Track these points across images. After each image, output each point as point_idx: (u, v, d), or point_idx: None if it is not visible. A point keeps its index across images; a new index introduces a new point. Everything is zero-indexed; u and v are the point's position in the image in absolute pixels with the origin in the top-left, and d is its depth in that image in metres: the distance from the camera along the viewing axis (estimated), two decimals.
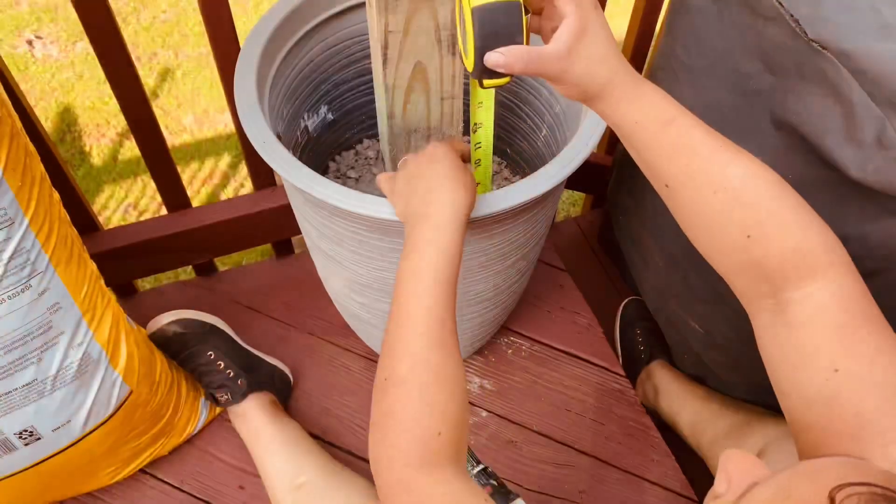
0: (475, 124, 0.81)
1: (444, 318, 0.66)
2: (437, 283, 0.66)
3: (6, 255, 0.75)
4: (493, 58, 0.60)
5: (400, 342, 0.66)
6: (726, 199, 0.59)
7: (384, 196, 0.78)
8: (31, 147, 0.80)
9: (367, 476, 1.09)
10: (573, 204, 1.81)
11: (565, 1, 0.58)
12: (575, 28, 0.58)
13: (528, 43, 0.61)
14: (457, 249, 0.69)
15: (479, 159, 0.85)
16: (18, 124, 0.77)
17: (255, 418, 1.11)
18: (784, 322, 0.57)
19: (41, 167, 0.81)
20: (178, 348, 1.12)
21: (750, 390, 1.15)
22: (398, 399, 0.63)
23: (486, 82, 0.63)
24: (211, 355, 1.12)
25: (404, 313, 0.67)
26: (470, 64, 0.62)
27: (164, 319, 1.12)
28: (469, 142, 0.84)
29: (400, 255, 0.70)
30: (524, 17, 0.60)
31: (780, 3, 0.77)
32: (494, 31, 0.59)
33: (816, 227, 0.57)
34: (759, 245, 0.58)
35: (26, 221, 0.76)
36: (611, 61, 0.60)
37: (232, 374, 1.12)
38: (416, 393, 0.63)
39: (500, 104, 1.16)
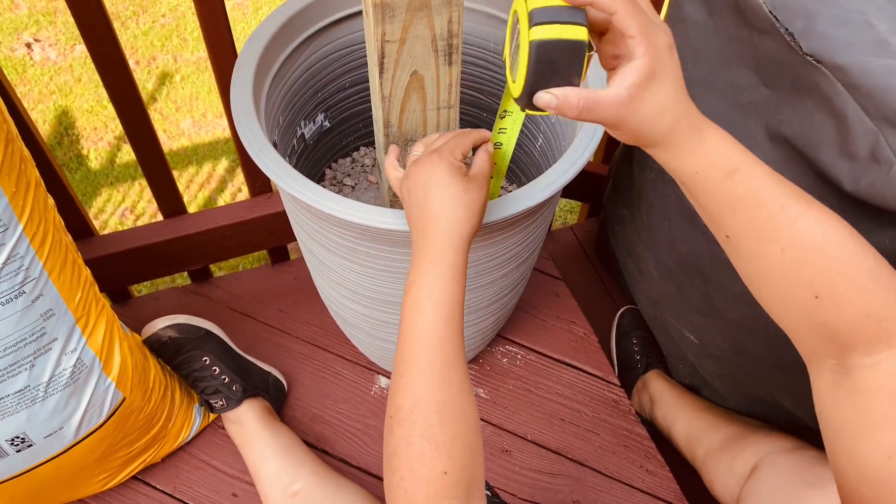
0: (500, 129, 0.76)
1: (447, 353, 0.62)
2: (438, 317, 0.63)
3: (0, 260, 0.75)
4: (545, 99, 0.54)
5: (403, 379, 0.62)
6: (794, 257, 0.54)
7: (384, 202, 0.78)
8: (27, 152, 0.80)
9: (360, 484, 1.09)
10: (570, 211, 1.81)
11: (638, 39, 0.51)
12: (643, 73, 0.52)
13: (584, 78, 0.55)
14: (458, 274, 0.65)
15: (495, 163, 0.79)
16: (14, 129, 0.77)
17: (249, 424, 1.11)
18: (848, 386, 0.53)
19: (36, 172, 0.81)
20: (172, 353, 1.12)
21: (744, 401, 1.15)
22: (402, 439, 0.60)
23: (529, 112, 0.58)
24: (206, 360, 1.12)
25: (407, 350, 0.63)
26: (516, 90, 0.56)
27: (160, 324, 1.12)
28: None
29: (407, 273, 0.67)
30: (586, 57, 0.53)
31: (776, 17, 0.77)
32: (551, 69, 0.53)
33: None
34: (828, 307, 0.53)
35: (20, 227, 0.76)
36: (676, 108, 0.54)
37: (227, 379, 1.12)
38: (418, 432, 0.59)
39: (495, 113, 1.16)
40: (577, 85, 0.54)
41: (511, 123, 0.74)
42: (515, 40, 0.57)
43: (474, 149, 0.74)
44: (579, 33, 0.52)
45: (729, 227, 0.57)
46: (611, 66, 0.56)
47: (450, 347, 0.63)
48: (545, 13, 0.52)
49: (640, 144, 0.57)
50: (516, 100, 0.57)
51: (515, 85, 0.56)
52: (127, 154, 1.89)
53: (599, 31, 0.56)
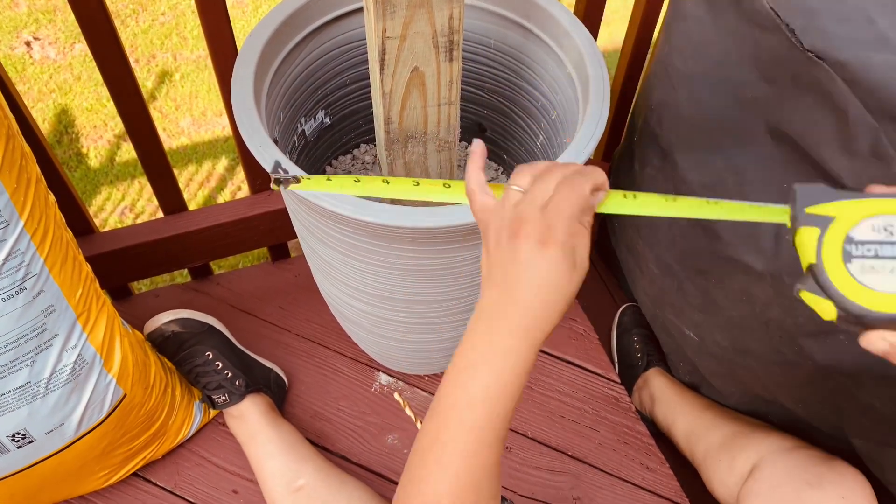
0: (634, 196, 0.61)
1: (486, 461, 0.52)
2: (489, 416, 0.51)
3: (0, 257, 0.75)
4: (879, 346, 0.46)
5: (425, 470, 0.52)
6: None
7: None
8: (28, 148, 0.80)
9: (361, 481, 1.09)
10: None
11: None
12: None
13: None
14: (525, 371, 0.52)
15: None
16: (15, 125, 0.77)
17: (252, 420, 1.11)
18: None
19: (37, 169, 0.81)
20: (175, 348, 1.12)
21: (744, 399, 1.15)
22: None
23: (839, 320, 0.48)
24: (209, 355, 1.12)
25: (441, 439, 0.52)
26: (826, 315, 0.47)
27: (163, 319, 1.12)
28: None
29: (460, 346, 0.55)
30: None
31: (777, 13, 0.77)
32: None
33: None
34: None
35: (21, 223, 0.76)
36: None
37: (230, 374, 1.12)
38: None
39: (496, 110, 1.16)
40: None
41: (659, 206, 0.58)
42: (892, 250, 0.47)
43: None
44: None
45: None
46: None
47: (490, 452, 0.52)
48: None
49: None
50: (873, 311, 0.46)
51: (876, 297, 0.46)
52: (126, 152, 1.89)
53: None
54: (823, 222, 0.47)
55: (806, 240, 0.48)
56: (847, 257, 0.47)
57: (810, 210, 0.48)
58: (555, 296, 0.51)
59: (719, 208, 0.55)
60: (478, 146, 0.60)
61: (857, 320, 0.46)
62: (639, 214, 0.57)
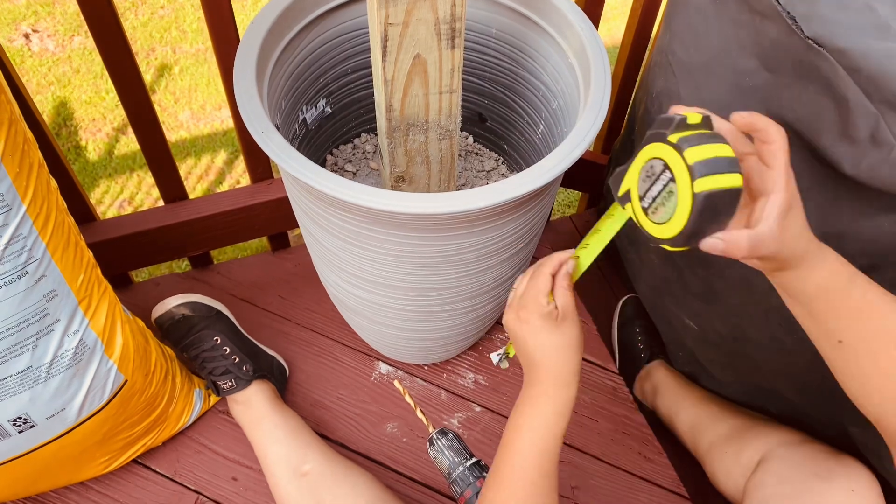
0: (584, 245, 0.77)
1: (545, 487, 0.72)
2: (541, 450, 0.72)
3: (3, 241, 0.75)
4: (712, 243, 0.57)
5: (499, 498, 0.72)
6: None
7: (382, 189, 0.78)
8: (30, 134, 0.80)
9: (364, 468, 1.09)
10: (569, 205, 1.82)
11: (778, 172, 0.57)
12: (784, 205, 0.57)
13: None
14: (566, 409, 0.73)
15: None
16: (17, 111, 0.77)
17: (258, 406, 1.11)
18: None
19: (39, 154, 0.81)
20: (184, 332, 1.12)
21: (743, 390, 1.16)
22: None
23: (672, 248, 0.61)
24: (217, 340, 1.12)
25: (508, 476, 0.72)
26: (663, 233, 0.60)
27: (173, 302, 1.12)
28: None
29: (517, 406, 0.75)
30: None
31: (777, 1, 0.77)
32: (712, 215, 0.56)
33: None
34: None
35: (24, 208, 0.76)
36: (806, 230, 0.60)
37: (237, 360, 1.12)
38: None
39: (497, 100, 1.16)
40: (727, 225, 0.58)
41: (597, 240, 0.75)
42: (660, 187, 0.59)
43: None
44: (737, 181, 0.55)
45: (844, 333, 0.62)
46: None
47: (548, 483, 0.73)
48: (707, 165, 0.55)
49: (775, 269, 0.62)
50: (663, 239, 0.60)
51: (664, 227, 0.59)
52: (125, 145, 1.89)
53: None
54: (628, 196, 0.64)
55: (628, 210, 0.64)
56: (645, 210, 0.61)
57: (621, 193, 0.65)
58: (556, 347, 0.73)
59: (608, 221, 0.73)
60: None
61: (671, 244, 0.59)
62: (600, 250, 0.75)
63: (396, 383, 1.23)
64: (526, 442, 0.72)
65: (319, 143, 1.15)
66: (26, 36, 2.12)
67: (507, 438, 0.74)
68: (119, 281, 1.30)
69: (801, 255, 0.60)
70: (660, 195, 0.60)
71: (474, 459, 0.93)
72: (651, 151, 0.60)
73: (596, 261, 0.77)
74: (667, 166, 0.58)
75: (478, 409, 1.23)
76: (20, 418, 0.86)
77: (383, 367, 1.26)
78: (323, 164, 1.18)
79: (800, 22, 0.75)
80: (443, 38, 0.82)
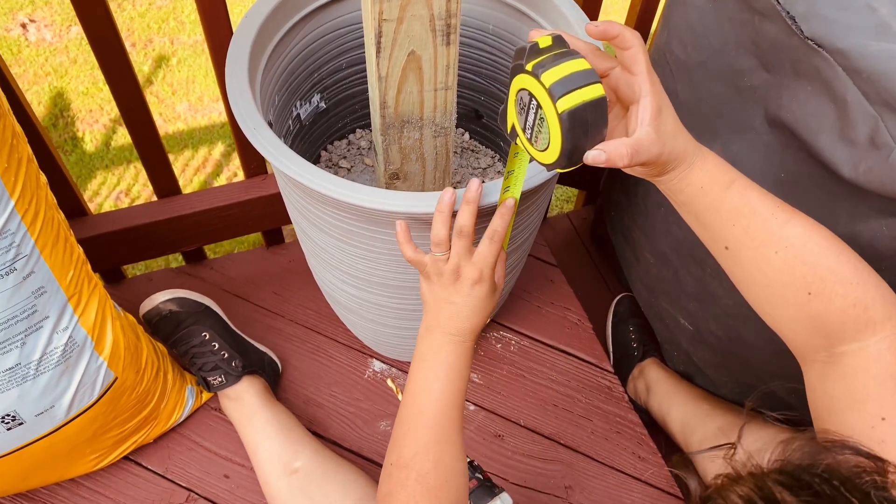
0: (506, 188, 0.76)
1: (452, 416, 0.72)
2: (449, 382, 0.73)
3: None
4: (594, 155, 0.58)
5: (409, 432, 0.72)
6: (787, 257, 0.60)
7: (372, 187, 0.77)
8: (18, 128, 0.79)
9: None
10: (567, 201, 1.81)
11: (642, 77, 0.58)
12: (655, 108, 0.58)
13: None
14: (467, 355, 0.75)
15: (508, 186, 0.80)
16: (6, 104, 0.77)
17: (249, 402, 1.10)
18: (837, 373, 0.59)
19: (28, 149, 0.80)
20: (172, 328, 1.12)
21: (737, 389, 1.15)
22: (398, 481, 0.70)
23: (562, 170, 0.62)
24: (206, 336, 1.11)
25: (414, 409, 0.73)
26: (549, 157, 0.61)
27: (160, 298, 1.12)
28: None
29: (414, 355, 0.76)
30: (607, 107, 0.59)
31: (777, 0, 0.76)
32: (584, 130, 0.57)
33: (874, 282, 0.59)
34: (819, 301, 0.59)
35: (12, 203, 0.76)
36: (681, 131, 0.61)
37: (227, 355, 1.11)
38: (413, 476, 0.69)
39: (493, 96, 1.15)
40: (606, 134, 0.59)
41: (514, 181, 0.75)
42: (533, 116, 0.61)
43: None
44: (598, 90, 0.56)
45: (728, 237, 0.62)
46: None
47: (456, 412, 0.73)
48: (564, 84, 0.56)
49: (656, 174, 0.62)
50: (550, 165, 0.61)
51: (547, 153, 0.61)
52: (122, 137, 1.88)
53: (601, 75, 0.62)
54: (515, 131, 0.66)
55: (520, 145, 0.66)
56: (530, 140, 0.63)
57: (508, 130, 0.66)
58: (480, 313, 0.75)
59: (516, 160, 0.73)
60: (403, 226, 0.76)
61: (560, 167, 0.61)
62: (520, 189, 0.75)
63: (389, 382, 1.23)
64: (436, 384, 0.74)
65: (314, 139, 1.14)
66: (23, 26, 2.10)
67: (414, 383, 0.75)
68: (111, 276, 1.29)
69: (681, 156, 0.60)
70: (535, 124, 0.61)
71: (467, 460, 0.93)
72: (517, 84, 0.61)
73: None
74: (532, 95, 0.60)
75: (472, 407, 1.22)
76: (9, 415, 0.86)
77: (377, 365, 1.26)
78: (317, 159, 1.17)
79: (799, 21, 0.74)
80: (438, 34, 0.81)
